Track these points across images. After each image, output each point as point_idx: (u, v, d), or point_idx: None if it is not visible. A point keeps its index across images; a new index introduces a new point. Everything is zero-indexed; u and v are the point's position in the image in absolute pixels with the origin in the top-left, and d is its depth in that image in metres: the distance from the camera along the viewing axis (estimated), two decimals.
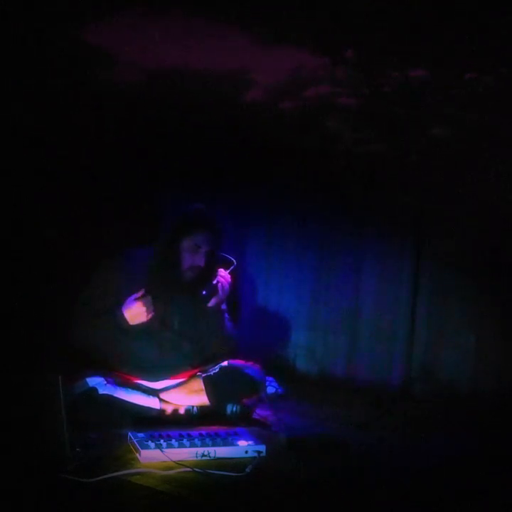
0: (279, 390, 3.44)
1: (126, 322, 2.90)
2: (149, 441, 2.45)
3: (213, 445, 2.48)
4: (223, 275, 3.04)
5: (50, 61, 3.33)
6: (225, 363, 3.07)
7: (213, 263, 3.01)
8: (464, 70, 3.27)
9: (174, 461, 2.36)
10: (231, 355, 3.12)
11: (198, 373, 3.04)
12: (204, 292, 3.00)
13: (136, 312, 2.89)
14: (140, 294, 2.90)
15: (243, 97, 3.57)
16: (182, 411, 2.94)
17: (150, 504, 2.08)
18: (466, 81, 3.29)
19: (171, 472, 2.30)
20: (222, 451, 2.46)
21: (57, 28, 3.16)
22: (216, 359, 3.09)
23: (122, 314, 2.89)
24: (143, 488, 2.18)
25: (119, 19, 3.15)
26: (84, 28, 3.19)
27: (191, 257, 2.97)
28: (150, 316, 2.92)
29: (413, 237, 3.71)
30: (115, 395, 2.85)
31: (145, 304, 2.89)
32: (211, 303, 3.03)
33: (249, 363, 3.08)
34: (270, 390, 3.30)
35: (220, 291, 3.01)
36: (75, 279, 3.42)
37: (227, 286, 3.03)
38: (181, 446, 2.46)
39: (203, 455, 2.44)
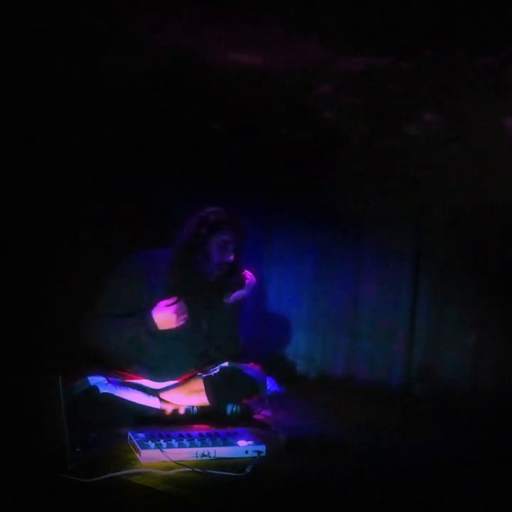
0: (279, 391, 3.44)
1: (155, 326, 2.90)
2: (149, 441, 2.45)
3: (213, 445, 2.48)
4: (250, 275, 3.11)
5: (51, 61, 3.33)
6: (225, 364, 3.08)
7: (239, 259, 3.07)
8: (465, 68, 3.27)
9: (174, 461, 2.36)
10: (236, 357, 3.14)
11: (198, 373, 3.04)
12: (233, 279, 3.05)
13: (167, 318, 2.90)
14: (172, 300, 2.90)
15: (245, 94, 3.56)
16: (182, 411, 2.95)
17: (150, 504, 2.08)
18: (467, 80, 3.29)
19: (171, 472, 2.30)
20: (222, 451, 2.46)
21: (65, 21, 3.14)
22: (223, 360, 3.10)
23: (151, 318, 2.89)
24: (143, 488, 2.18)
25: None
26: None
27: (220, 253, 3.01)
28: (181, 322, 2.92)
29: (413, 238, 3.72)
30: (116, 394, 2.85)
31: (177, 311, 2.90)
32: (233, 297, 3.06)
33: (250, 364, 3.09)
34: (270, 390, 3.30)
35: (246, 287, 3.07)
36: (76, 278, 3.43)
37: (252, 284, 3.09)
38: (181, 446, 2.46)
39: (203, 455, 2.44)
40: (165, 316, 2.89)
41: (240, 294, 3.08)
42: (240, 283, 3.07)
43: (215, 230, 3.02)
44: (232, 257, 3.02)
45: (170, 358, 3.04)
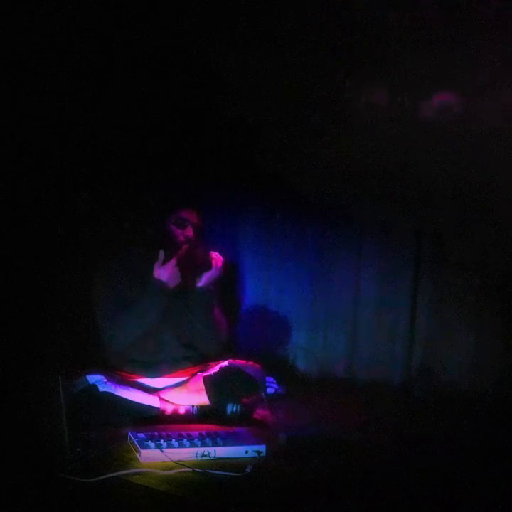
0: (279, 390, 3.44)
1: (167, 286, 2.97)
2: (149, 441, 2.45)
3: (213, 445, 2.48)
4: (216, 255, 3.13)
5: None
6: (225, 363, 3.08)
7: (199, 239, 3.13)
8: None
9: (174, 461, 2.36)
10: (224, 349, 3.15)
11: (198, 373, 3.04)
12: (199, 259, 3.09)
13: (171, 272, 2.98)
14: (161, 258, 2.98)
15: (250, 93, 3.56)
16: (182, 411, 2.94)
17: (150, 504, 2.08)
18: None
19: (171, 472, 2.30)
20: (222, 451, 2.46)
21: None
22: (209, 353, 3.12)
23: (161, 282, 2.96)
24: (143, 488, 2.18)
25: None
26: None
27: (180, 231, 3.10)
28: (180, 274, 3.00)
29: (413, 237, 3.72)
30: (115, 393, 2.85)
31: (173, 264, 2.98)
32: (204, 280, 3.07)
33: (249, 363, 3.09)
34: (270, 390, 3.31)
35: (213, 268, 3.08)
36: (75, 278, 3.43)
37: (220, 264, 3.11)
38: (181, 446, 2.45)
39: (203, 455, 2.44)
40: (168, 271, 2.97)
41: (209, 275, 3.10)
42: (207, 264, 3.09)
43: (172, 208, 3.12)
44: (190, 233, 3.09)
45: (160, 351, 3.06)
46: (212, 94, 3.55)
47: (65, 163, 3.56)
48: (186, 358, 3.11)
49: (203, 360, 3.13)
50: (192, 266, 3.07)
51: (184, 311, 3.11)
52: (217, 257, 3.11)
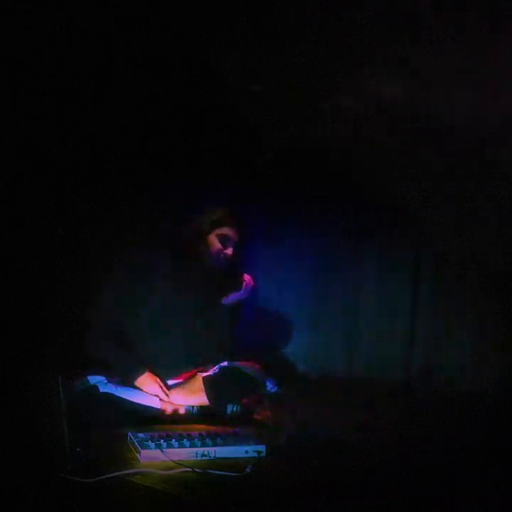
0: (279, 390, 3.43)
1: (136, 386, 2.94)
2: (149, 441, 2.45)
3: (213, 445, 2.48)
4: (248, 278, 3.18)
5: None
6: (225, 363, 3.08)
7: (239, 258, 3.16)
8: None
9: (174, 461, 2.36)
10: (229, 356, 3.15)
11: (198, 373, 3.04)
12: (231, 278, 3.13)
13: (149, 389, 2.94)
14: (162, 390, 2.95)
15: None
16: (182, 411, 2.94)
17: (150, 504, 2.08)
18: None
19: (171, 472, 2.30)
20: (222, 451, 2.46)
21: None
22: (216, 360, 3.11)
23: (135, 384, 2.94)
24: (143, 488, 2.18)
25: None
26: None
27: (221, 247, 3.10)
28: (157, 398, 2.94)
29: (413, 237, 3.72)
30: (116, 393, 2.86)
31: (161, 393, 2.95)
32: (229, 298, 3.10)
33: (249, 363, 3.09)
34: (270, 390, 3.30)
35: (243, 289, 3.14)
36: (75, 278, 3.43)
37: (250, 287, 3.17)
38: (181, 446, 2.45)
39: (203, 455, 2.44)
40: (148, 388, 2.93)
41: (236, 296, 3.13)
42: (238, 284, 3.12)
43: (217, 224, 3.11)
44: (231, 251, 3.09)
45: (167, 356, 3.05)
46: (212, 94, 3.56)
47: (65, 163, 3.56)
48: (187, 359, 3.11)
49: (203, 362, 3.13)
50: (221, 285, 3.11)
51: (199, 323, 3.12)
52: (248, 280, 3.17)
